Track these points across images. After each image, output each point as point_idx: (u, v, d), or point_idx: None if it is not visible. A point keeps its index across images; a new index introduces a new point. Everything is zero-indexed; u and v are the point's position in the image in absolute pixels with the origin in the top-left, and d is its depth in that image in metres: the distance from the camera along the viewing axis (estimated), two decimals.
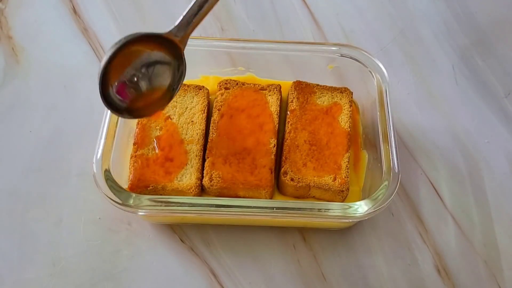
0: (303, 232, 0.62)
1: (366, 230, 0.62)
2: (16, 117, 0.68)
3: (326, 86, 0.65)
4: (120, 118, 0.58)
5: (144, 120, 0.60)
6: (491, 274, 0.60)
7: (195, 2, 0.50)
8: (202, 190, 0.59)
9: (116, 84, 0.49)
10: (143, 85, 0.51)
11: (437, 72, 0.76)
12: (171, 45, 0.50)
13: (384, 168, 0.56)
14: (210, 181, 0.57)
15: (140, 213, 0.55)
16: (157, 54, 0.51)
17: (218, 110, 0.62)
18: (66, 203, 0.62)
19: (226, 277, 0.59)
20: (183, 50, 0.51)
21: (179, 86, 0.53)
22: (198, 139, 0.60)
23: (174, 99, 0.62)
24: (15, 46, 0.75)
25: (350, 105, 0.63)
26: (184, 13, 0.50)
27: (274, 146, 0.60)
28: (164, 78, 0.52)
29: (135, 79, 0.50)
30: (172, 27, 0.50)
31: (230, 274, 0.59)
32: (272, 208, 0.54)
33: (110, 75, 0.48)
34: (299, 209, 0.54)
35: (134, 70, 0.50)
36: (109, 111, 0.58)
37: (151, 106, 0.52)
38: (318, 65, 0.67)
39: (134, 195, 0.54)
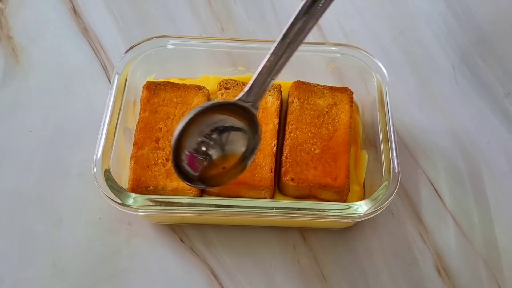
0: (303, 232, 0.62)
1: (366, 230, 0.62)
2: (16, 117, 0.68)
3: (326, 86, 0.65)
4: (120, 118, 0.59)
5: (144, 120, 0.60)
6: (491, 274, 0.60)
7: (264, 65, 0.50)
8: (202, 190, 0.59)
9: (187, 154, 0.48)
10: (215, 154, 0.50)
11: (437, 72, 0.76)
12: (243, 111, 0.50)
13: (384, 168, 0.56)
14: None
15: (140, 213, 0.55)
16: (229, 120, 0.50)
17: None
18: (66, 203, 0.62)
19: (226, 277, 0.59)
20: (256, 114, 0.51)
21: (255, 152, 0.52)
22: None
23: (175, 99, 0.62)
24: (15, 46, 0.75)
25: (351, 105, 0.63)
26: (254, 78, 0.50)
27: (274, 146, 0.60)
28: (237, 145, 0.51)
29: (206, 148, 0.50)
30: (242, 93, 0.50)
31: (230, 274, 0.59)
32: (272, 208, 0.54)
33: (183, 146, 0.48)
34: (299, 209, 0.54)
35: (205, 139, 0.49)
36: (109, 111, 0.58)
37: (225, 175, 0.52)
38: (318, 65, 0.67)
39: (134, 195, 0.54)
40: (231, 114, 0.50)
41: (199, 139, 0.49)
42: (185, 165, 0.49)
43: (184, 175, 0.49)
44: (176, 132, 0.47)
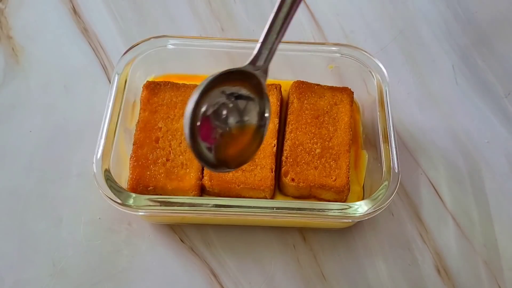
0: (303, 232, 0.62)
1: (366, 230, 0.62)
2: (16, 117, 0.68)
3: (326, 86, 0.65)
4: (120, 118, 0.58)
5: (144, 120, 0.60)
6: (491, 274, 0.60)
7: (271, 23, 0.46)
8: (202, 190, 0.59)
9: (200, 125, 0.42)
10: (233, 121, 0.45)
11: (437, 72, 0.76)
12: (252, 80, 0.46)
13: (384, 168, 0.56)
14: (210, 181, 0.57)
15: (140, 213, 0.55)
16: (237, 89, 0.45)
17: None
18: (66, 203, 0.62)
19: (226, 277, 0.59)
20: (264, 83, 0.46)
21: (267, 123, 0.46)
22: None
23: (174, 99, 0.62)
24: (15, 46, 0.75)
25: (351, 105, 0.63)
26: (261, 39, 0.46)
27: (274, 146, 0.60)
28: (252, 114, 0.46)
29: (223, 115, 0.44)
30: (249, 59, 0.46)
31: (230, 274, 0.59)
32: (272, 208, 0.54)
33: (197, 123, 0.42)
34: (299, 209, 0.54)
35: (220, 105, 0.44)
36: (109, 111, 0.58)
37: (243, 153, 0.46)
38: (318, 65, 0.67)
39: (134, 195, 0.54)
40: (239, 84, 0.45)
41: (213, 108, 0.44)
42: (202, 142, 0.42)
43: (204, 160, 0.43)
44: (190, 106, 0.41)
